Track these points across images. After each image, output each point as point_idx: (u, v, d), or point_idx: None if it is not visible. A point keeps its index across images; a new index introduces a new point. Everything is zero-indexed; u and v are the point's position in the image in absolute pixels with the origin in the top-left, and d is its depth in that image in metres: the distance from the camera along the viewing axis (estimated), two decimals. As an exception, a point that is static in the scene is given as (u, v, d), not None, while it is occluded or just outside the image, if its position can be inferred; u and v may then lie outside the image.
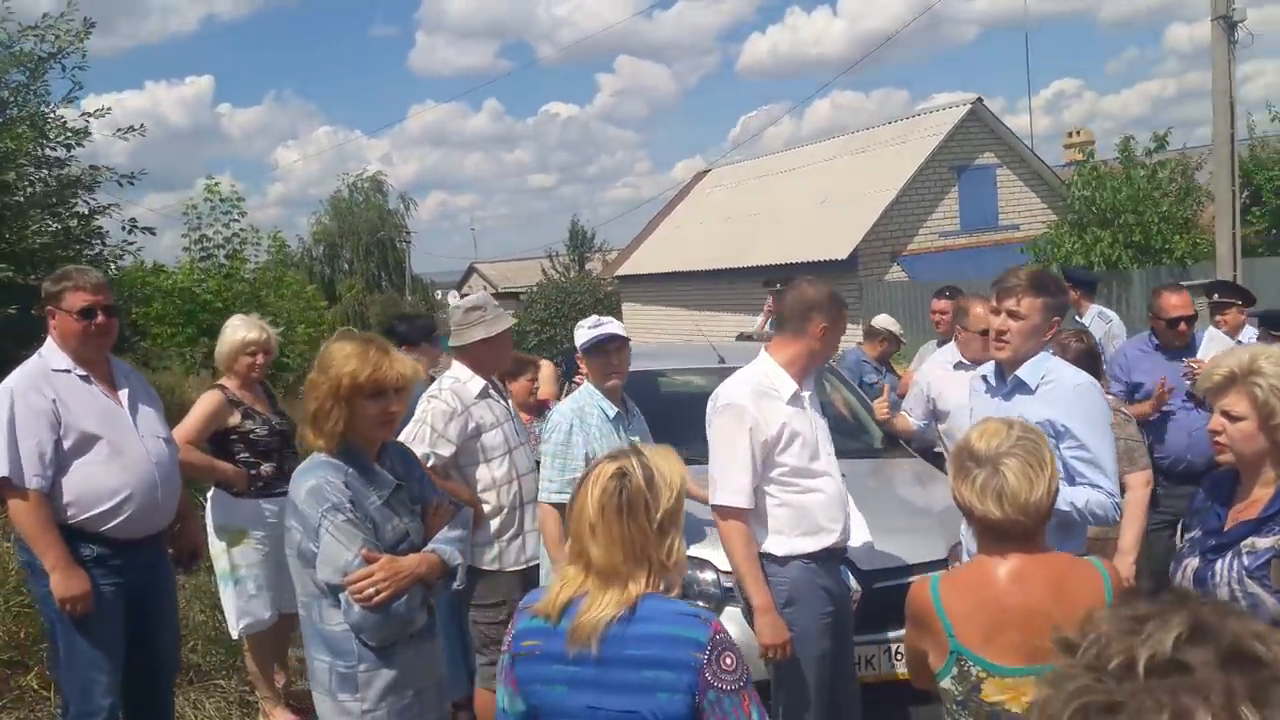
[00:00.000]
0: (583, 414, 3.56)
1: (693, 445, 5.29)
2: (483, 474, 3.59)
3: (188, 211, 12.36)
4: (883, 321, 6.76)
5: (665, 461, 1.92)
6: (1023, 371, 3.05)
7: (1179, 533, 4.54)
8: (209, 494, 4.20)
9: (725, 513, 3.06)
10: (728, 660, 1.81)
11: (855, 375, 6.33)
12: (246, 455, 4.09)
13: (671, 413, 5.28)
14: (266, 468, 4.12)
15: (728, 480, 3.06)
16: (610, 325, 3.64)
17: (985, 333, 4.64)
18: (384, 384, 2.44)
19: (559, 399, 5.75)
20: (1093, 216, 13.84)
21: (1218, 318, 5.47)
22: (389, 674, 2.42)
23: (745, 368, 3.31)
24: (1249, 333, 5.37)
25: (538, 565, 3.67)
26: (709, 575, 3.89)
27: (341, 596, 2.34)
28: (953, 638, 2.07)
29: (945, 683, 2.11)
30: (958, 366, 4.77)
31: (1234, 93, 9.89)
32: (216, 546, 4.11)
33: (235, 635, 4.19)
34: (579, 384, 4.84)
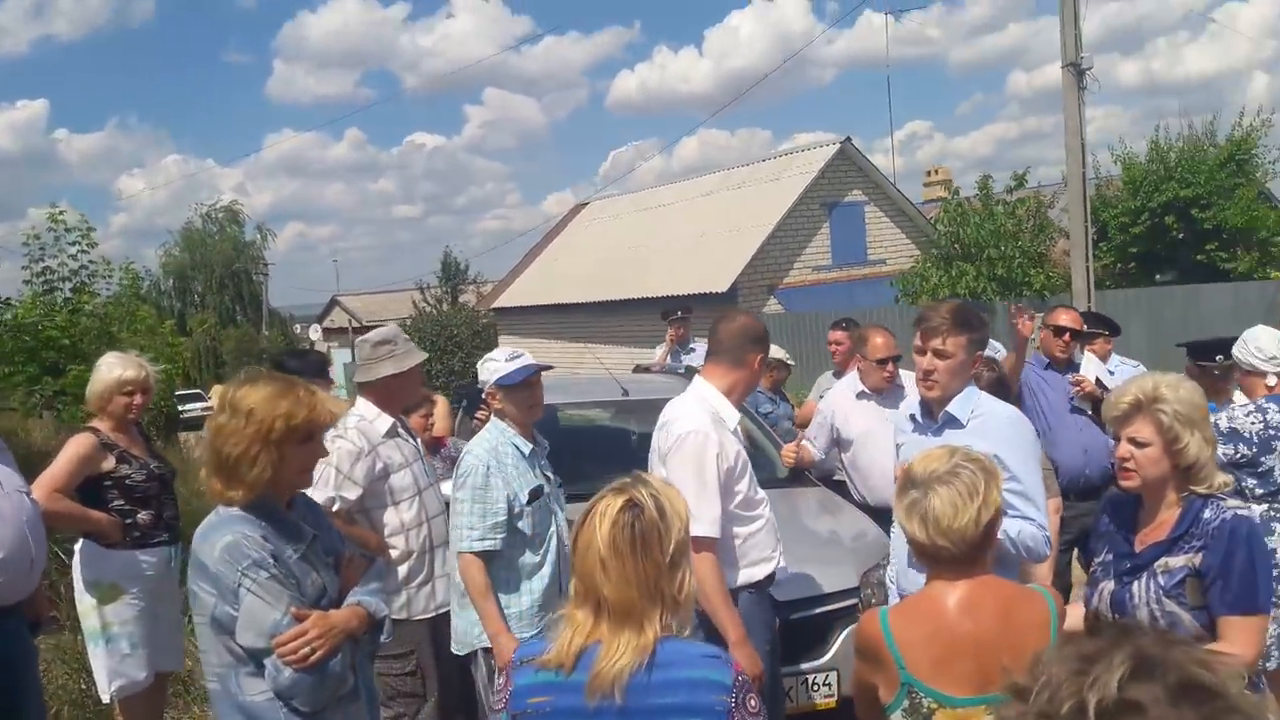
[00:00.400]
0: (498, 454, 3.33)
1: (600, 481, 5.20)
2: (390, 517, 3.40)
3: (29, 242, 11.52)
4: (773, 351, 6.85)
5: (671, 490, 1.87)
6: (953, 407, 3.06)
7: (1089, 557, 4.80)
8: (77, 546, 3.85)
9: (699, 544, 2.91)
10: (752, 703, 1.77)
11: (752, 404, 6.37)
12: (121, 503, 3.76)
13: (575, 448, 5.16)
14: (144, 516, 3.80)
15: (701, 511, 2.94)
16: (527, 356, 3.51)
17: (883, 362, 4.80)
18: (318, 426, 2.29)
19: (455, 435, 5.55)
20: (957, 251, 14.57)
21: (1086, 347, 5.77)
22: None
23: (686, 396, 3.27)
24: (1115, 360, 5.67)
25: (448, 612, 3.49)
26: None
27: (269, 661, 2.14)
28: (903, 669, 2.06)
29: (895, 716, 2.09)
30: (860, 396, 4.88)
31: (1084, 135, 10.61)
32: (85, 603, 3.76)
33: (106, 699, 3.84)
34: (481, 421, 4.66)
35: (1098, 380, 5.05)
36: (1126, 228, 14.69)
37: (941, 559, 2.09)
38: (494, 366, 3.37)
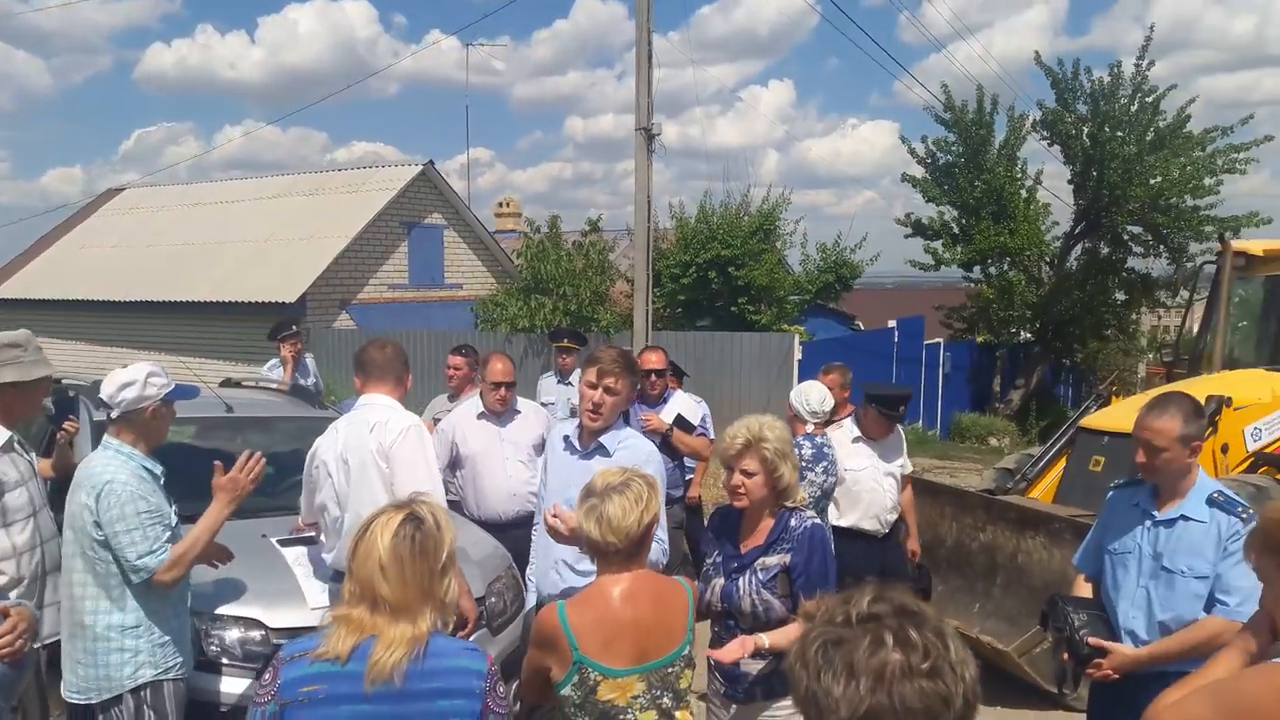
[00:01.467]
0: (137, 478, 3.06)
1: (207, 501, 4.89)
2: (1, 540, 2.99)
3: None
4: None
5: (442, 511, 2.12)
6: (605, 438, 3.46)
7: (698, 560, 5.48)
8: None
9: None
10: (500, 689, 2.08)
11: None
12: None
13: (176, 467, 4.74)
14: None
15: (434, 489, 3.38)
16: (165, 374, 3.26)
17: (496, 386, 5.16)
18: None
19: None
20: (535, 285, 15.60)
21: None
22: None
23: (381, 405, 3.59)
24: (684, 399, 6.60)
25: (56, 643, 3.13)
26: (257, 634, 3.69)
27: None
28: (576, 650, 2.46)
29: (566, 690, 2.48)
30: (480, 416, 5.21)
31: (650, 191, 12.05)
32: None
33: None
34: (68, 434, 4.16)
35: (680, 416, 5.87)
36: (678, 277, 16.74)
37: (609, 554, 2.53)
38: (160, 382, 3.16)
